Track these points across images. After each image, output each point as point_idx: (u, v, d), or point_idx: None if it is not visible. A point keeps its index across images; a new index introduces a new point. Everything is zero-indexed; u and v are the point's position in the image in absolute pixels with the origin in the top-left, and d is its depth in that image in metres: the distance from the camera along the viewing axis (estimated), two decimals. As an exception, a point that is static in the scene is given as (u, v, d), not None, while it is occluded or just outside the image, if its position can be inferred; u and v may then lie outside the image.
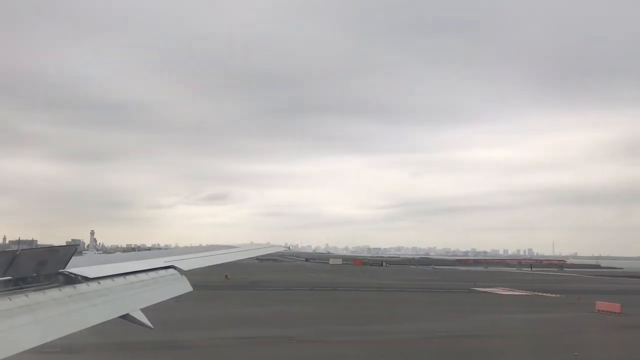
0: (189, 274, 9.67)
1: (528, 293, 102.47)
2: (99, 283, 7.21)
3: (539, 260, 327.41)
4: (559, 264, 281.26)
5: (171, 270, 9.36)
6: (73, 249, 6.66)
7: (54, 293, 6.28)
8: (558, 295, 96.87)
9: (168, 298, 8.65)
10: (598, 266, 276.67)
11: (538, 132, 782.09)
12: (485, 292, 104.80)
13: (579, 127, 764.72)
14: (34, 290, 6.03)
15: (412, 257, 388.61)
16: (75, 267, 6.95)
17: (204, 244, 14.62)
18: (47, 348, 6.36)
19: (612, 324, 58.82)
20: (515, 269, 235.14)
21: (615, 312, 67.56)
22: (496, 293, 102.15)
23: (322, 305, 71.71)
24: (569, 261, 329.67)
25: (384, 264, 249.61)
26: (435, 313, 65.72)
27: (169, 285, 8.94)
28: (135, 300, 7.74)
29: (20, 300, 5.70)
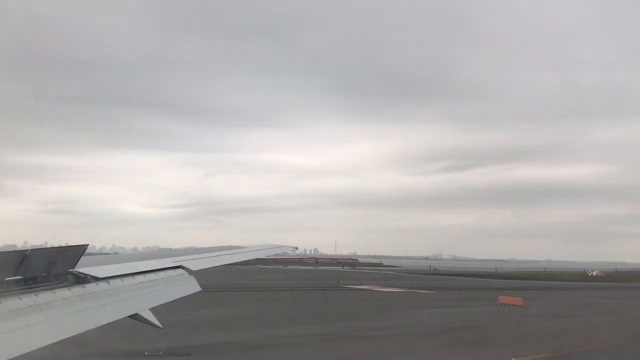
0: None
1: (403, 290, 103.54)
2: (108, 283, 7.25)
3: (335, 258, 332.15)
4: (352, 262, 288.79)
5: (180, 270, 9.39)
6: (83, 248, 6.70)
7: (63, 292, 6.32)
8: (432, 292, 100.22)
9: (177, 298, 8.68)
10: (381, 264, 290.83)
11: (333, 141, 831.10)
12: (365, 289, 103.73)
13: (368, 139, 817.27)
14: (44, 290, 6.08)
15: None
16: (84, 266, 6.99)
17: (211, 245, 14.66)
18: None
19: (525, 314, 66.79)
20: (341, 267, 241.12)
21: (518, 305, 74.74)
22: (377, 290, 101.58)
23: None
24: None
25: None
26: (365, 311, 65.56)
27: (177, 285, 8.97)
28: (144, 300, 7.78)
29: (30, 299, 5.74)
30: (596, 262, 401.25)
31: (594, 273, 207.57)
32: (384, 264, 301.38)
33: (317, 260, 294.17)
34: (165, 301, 8.27)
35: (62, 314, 5.98)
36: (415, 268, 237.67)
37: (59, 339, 5.75)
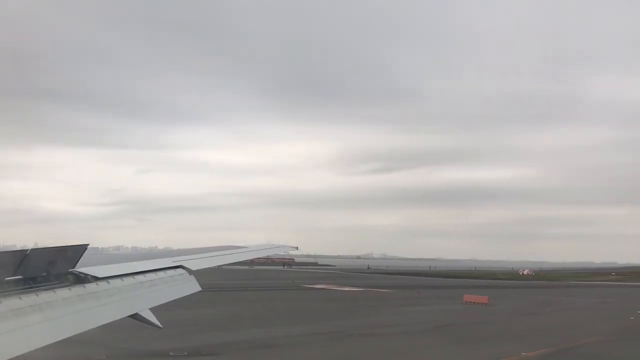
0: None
1: (362, 289, 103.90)
2: (108, 282, 7.25)
3: (270, 258, 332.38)
4: (289, 262, 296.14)
5: (180, 270, 9.38)
6: (83, 248, 6.70)
7: (63, 292, 6.32)
8: (391, 290, 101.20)
9: (177, 298, 8.68)
10: (317, 263, 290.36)
11: (269, 140, 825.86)
12: (325, 288, 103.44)
13: (304, 138, 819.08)
14: (44, 290, 6.08)
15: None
16: (84, 266, 6.99)
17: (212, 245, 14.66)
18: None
19: (497, 312, 68.21)
20: (282, 267, 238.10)
21: (483, 303, 75.83)
22: (338, 289, 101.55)
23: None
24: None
25: None
26: (347, 310, 65.76)
27: (177, 285, 8.97)
28: (144, 300, 7.78)
29: (30, 299, 5.74)
30: (518, 261, 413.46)
31: (525, 272, 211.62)
32: (319, 263, 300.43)
33: (252, 260, 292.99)
34: (166, 301, 8.27)
35: (62, 314, 5.98)
36: (353, 267, 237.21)
37: (59, 338, 5.76)
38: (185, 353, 34.83)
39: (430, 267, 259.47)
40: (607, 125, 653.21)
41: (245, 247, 14.65)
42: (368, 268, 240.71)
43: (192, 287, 9.32)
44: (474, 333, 50.00)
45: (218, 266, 11.74)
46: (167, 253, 10.77)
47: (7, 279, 5.79)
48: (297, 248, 17.67)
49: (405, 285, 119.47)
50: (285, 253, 17.02)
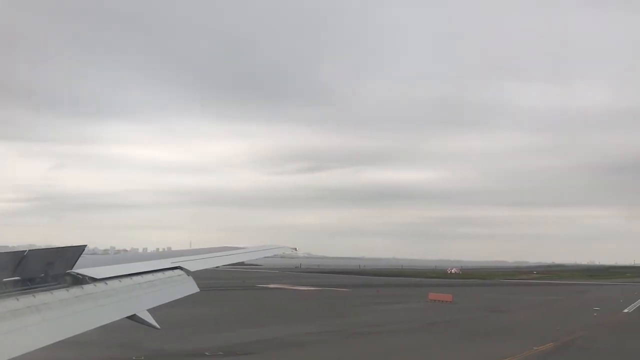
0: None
1: (319, 288, 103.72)
2: (106, 284, 7.23)
3: None
4: None
5: (178, 271, 9.36)
6: (81, 249, 6.69)
7: (61, 293, 6.31)
8: (348, 289, 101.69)
9: (175, 299, 8.67)
10: (243, 263, 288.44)
11: (194, 137, 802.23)
12: (281, 288, 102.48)
13: (231, 136, 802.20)
14: (42, 291, 6.06)
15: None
16: (82, 267, 6.98)
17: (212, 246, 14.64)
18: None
19: (469, 309, 69.42)
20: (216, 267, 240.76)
21: (448, 301, 77.10)
22: (296, 289, 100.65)
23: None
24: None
25: None
26: (326, 309, 65.65)
27: (175, 286, 8.95)
28: (142, 301, 7.76)
29: (27, 300, 5.73)
30: (436, 260, 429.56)
31: (453, 270, 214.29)
32: (246, 262, 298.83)
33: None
34: (164, 302, 8.26)
35: (59, 315, 5.97)
36: (281, 266, 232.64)
37: (57, 339, 5.74)
38: (221, 353, 35.04)
39: (359, 265, 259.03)
40: (525, 131, 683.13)
41: (243, 248, 14.63)
42: (299, 267, 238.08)
43: (190, 288, 9.30)
44: (469, 330, 50.61)
45: (216, 267, 11.74)
46: (166, 254, 10.75)
47: (4, 280, 5.77)
48: (295, 249, 17.62)
49: (357, 284, 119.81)
50: (284, 254, 16.96)
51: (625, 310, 72.02)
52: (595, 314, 66.95)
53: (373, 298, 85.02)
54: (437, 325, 53.82)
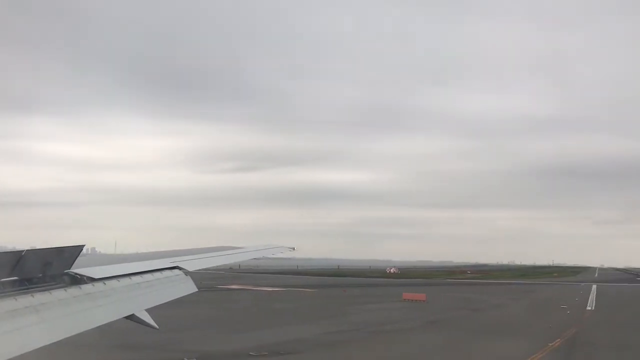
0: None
1: (283, 288, 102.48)
2: (105, 283, 7.22)
3: None
4: None
5: (176, 271, 9.35)
6: (79, 249, 6.68)
7: (59, 293, 6.29)
8: (313, 290, 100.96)
9: (173, 298, 8.65)
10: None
11: (124, 134, 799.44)
12: (244, 289, 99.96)
13: (163, 134, 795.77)
14: (40, 291, 6.05)
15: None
16: (80, 267, 6.97)
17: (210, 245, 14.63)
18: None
19: (448, 308, 69.63)
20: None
21: (421, 301, 77.64)
22: (260, 289, 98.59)
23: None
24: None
25: None
26: (312, 310, 65.00)
27: (174, 286, 8.94)
28: (140, 301, 7.75)
29: (26, 300, 5.72)
30: (367, 260, 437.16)
31: (392, 270, 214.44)
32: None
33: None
34: (162, 302, 8.25)
35: (58, 315, 5.96)
36: (218, 266, 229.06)
37: (55, 340, 5.73)
38: (265, 353, 35.00)
39: (297, 266, 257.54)
40: (451, 136, 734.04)
41: (242, 248, 14.63)
42: (239, 267, 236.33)
43: (189, 287, 9.29)
44: (474, 328, 50.82)
45: (215, 267, 11.73)
46: (164, 254, 10.74)
47: (2, 280, 5.76)
48: (293, 249, 17.59)
49: (317, 284, 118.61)
50: (283, 253, 16.94)
51: (589, 308, 72.92)
52: (568, 312, 67.34)
53: (346, 298, 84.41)
54: (439, 323, 53.89)
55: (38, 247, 7.00)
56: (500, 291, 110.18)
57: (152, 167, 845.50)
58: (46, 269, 6.28)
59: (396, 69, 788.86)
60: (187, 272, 9.54)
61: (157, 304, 8.07)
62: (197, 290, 9.37)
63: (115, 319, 6.99)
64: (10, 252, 6.01)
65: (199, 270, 10.46)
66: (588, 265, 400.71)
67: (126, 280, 7.79)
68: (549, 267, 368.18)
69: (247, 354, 34.55)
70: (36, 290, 6.02)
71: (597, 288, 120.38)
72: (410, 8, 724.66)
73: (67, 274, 6.70)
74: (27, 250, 5.97)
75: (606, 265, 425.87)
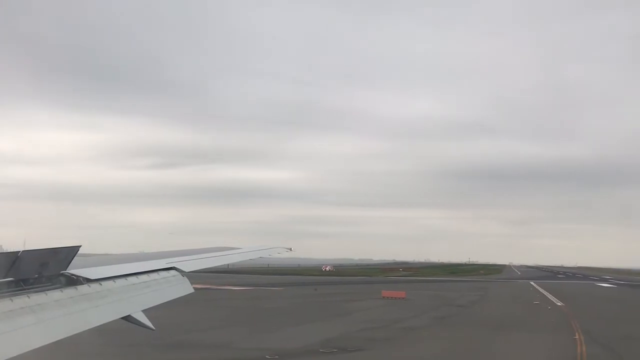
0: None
1: (250, 287, 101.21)
2: (101, 284, 7.22)
3: None
4: None
5: (172, 272, 9.35)
6: (75, 250, 6.67)
7: (55, 294, 6.29)
8: (281, 288, 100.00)
9: (169, 299, 8.65)
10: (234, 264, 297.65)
11: (28, 127, 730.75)
12: (211, 288, 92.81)
13: (73, 127, 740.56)
14: (36, 292, 6.05)
15: None
16: (76, 268, 6.96)
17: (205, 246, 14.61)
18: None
19: (432, 306, 68.80)
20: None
21: (401, 298, 77.75)
22: (231, 289, 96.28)
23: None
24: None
25: None
26: (306, 310, 63.37)
27: (170, 287, 8.94)
28: (136, 302, 7.75)
29: (22, 301, 5.71)
30: (291, 258, 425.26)
31: (328, 268, 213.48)
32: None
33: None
34: (158, 302, 8.25)
35: (54, 316, 5.95)
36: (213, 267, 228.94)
37: (51, 340, 5.73)
38: (335, 349, 34.85)
39: (227, 265, 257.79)
40: (373, 137, 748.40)
41: (239, 248, 14.63)
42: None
43: (185, 289, 9.30)
44: (488, 323, 50.90)
45: (211, 267, 11.71)
46: (160, 254, 10.74)
47: None
48: (290, 249, 17.57)
49: (279, 283, 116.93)
50: (280, 254, 16.93)
51: (560, 304, 72.91)
52: (549, 307, 68.00)
53: (327, 296, 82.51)
54: (449, 319, 53.84)
55: None
56: (456, 288, 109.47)
57: (61, 162, 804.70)
58: (42, 270, 6.27)
59: (320, 69, 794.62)
60: (183, 273, 9.54)
61: (154, 304, 8.07)
62: (193, 291, 9.37)
63: (111, 319, 6.99)
64: (6, 253, 5.99)
65: (196, 271, 10.46)
66: (500, 263, 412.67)
67: (122, 281, 7.79)
68: (467, 264, 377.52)
69: (317, 351, 34.43)
70: (32, 291, 6.01)
71: (538, 285, 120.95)
72: (336, 9, 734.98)
73: (63, 274, 6.69)
74: (23, 251, 5.96)
75: (514, 262, 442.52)
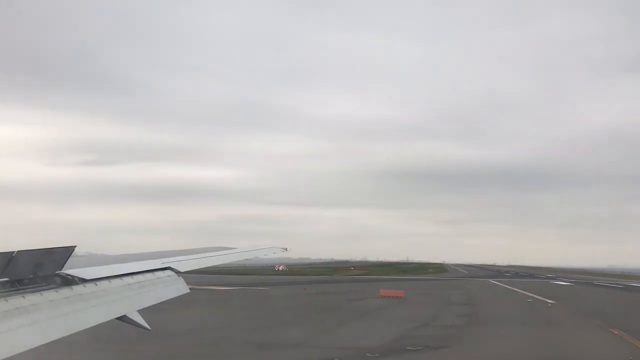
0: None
1: (240, 287, 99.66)
2: (96, 284, 7.20)
3: None
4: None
5: (168, 272, 9.34)
6: (70, 250, 6.66)
7: (50, 294, 6.27)
8: (267, 288, 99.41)
9: (165, 299, 8.65)
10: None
11: None
12: (204, 289, 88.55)
13: (4, 122, 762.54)
14: (31, 292, 6.03)
15: None
16: (72, 268, 6.95)
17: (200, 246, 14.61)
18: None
19: (436, 305, 67.85)
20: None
21: (399, 297, 77.17)
22: (219, 289, 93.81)
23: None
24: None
25: None
26: (313, 311, 61.30)
27: (165, 287, 8.94)
28: (132, 302, 7.74)
29: (16, 301, 5.70)
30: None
31: (281, 267, 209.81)
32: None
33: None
34: (154, 303, 8.24)
35: (49, 316, 5.94)
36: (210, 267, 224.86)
37: (46, 341, 5.72)
38: (420, 347, 35.07)
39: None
40: (316, 137, 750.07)
41: (234, 248, 14.62)
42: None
43: (181, 288, 9.29)
44: (518, 320, 51.09)
45: (207, 267, 11.70)
46: (155, 254, 10.72)
47: None
48: (286, 249, 17.55)
49: (262, 282, 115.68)
50: (275, 254, 16.92)
51: (550, 302, 72.53)
52: (549, 304, 67.97)
53: (323, 295, 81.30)
54: (474, 317, 53.76)
55: None
56: (434, 286, 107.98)
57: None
58: (37, 270, 6.26)
59: (265, 69, 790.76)
60: (178, 273, 9.54)
61: (149, 304, 8.06)
62: (189, 291, 9.36)
63: (106, 319, 6.98)
64: (1, 253, 5.98)
65: (191, 271, 10.46)
66: (435, 262, 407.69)
67: (118, 281, 7.78)
68: (409, 263, 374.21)
69: (404, 349, 34.36)
70: (27, 291, 5.99)
71: (503, 283, 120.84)
72: (282, 10, 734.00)
73: (58, 275, 6.68)
74: (17, 251, 5.94)
75: (447, 261, 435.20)
